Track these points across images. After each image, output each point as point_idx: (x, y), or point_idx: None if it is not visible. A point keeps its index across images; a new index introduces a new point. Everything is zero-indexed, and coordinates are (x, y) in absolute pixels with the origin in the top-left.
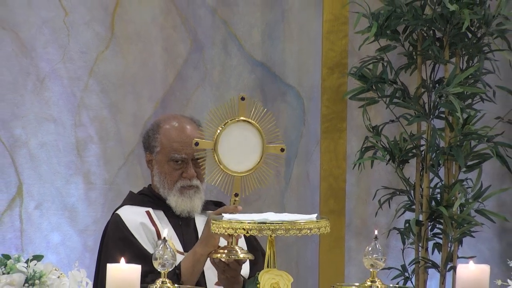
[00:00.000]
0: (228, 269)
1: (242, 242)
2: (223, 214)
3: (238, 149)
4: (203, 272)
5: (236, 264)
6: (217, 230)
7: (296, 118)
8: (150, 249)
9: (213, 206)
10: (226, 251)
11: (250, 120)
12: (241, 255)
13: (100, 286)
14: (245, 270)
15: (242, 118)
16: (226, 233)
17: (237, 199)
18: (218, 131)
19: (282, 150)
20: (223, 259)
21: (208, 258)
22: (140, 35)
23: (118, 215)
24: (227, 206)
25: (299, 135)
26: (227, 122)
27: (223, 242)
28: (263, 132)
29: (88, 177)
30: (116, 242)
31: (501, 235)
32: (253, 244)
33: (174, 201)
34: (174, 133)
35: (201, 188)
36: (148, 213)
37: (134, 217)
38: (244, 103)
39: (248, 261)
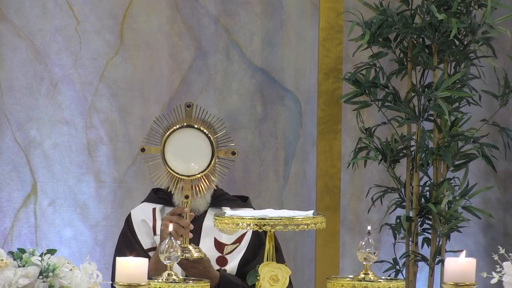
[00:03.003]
0: (187, 267)
1: (247, 238)
2: (225, 211)
3: (187, 153)
4: None
5: (191, 262)
6: (219, 225)
7: (293, 120)
8: (147, 244)
9: (240, 201)
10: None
11: (196, 126)
12: (195, 254)
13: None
14: (233, 264)
15: (188, 124)
16: (175, 233)
17: (187, 200)
18: (165, 137)
19: (234, 153)
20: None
21: None
22: (147, 42)
23: (130, 212)
24: (177, 207)
25: (296, 136)
26: (174, 128)
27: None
28: (213, 137)
29: (99, 176)
30: (120, 236)
31: (486, 230)
32: (261, 238)
33: (178, 199)
34: None
35: (173, 190)
36: (154, 209)
37: (140, 214)
38: (191, 110)
39: (241, 256)
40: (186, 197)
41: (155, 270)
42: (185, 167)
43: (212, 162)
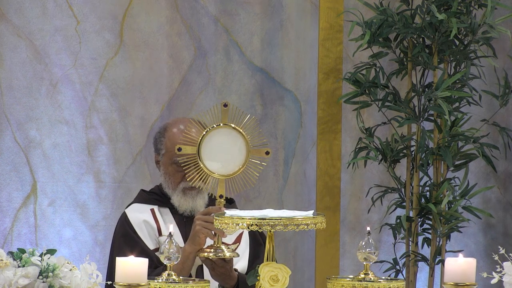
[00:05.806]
0: (216, 267)
1: (246, 237)
2: (225, 210)
3: (222, 153)
4: (201, 266)
5: (223, 262)
6: (219, 225)
7: (293, 120)
8: (151, 245)
9: (227, 203)
10: (212, 250)
11: (233, 125)
12: (227, 254)
13: (110, 278)
14: (243, 264)
15: (224, 123)
16: (210, 232)
17: (222, 200)
18: (201, 136)
19: (267, 153)
20: (210, 258)
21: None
22: (147, 42)
23: (125, 213)
24: (212, 206)
25: (296, 136)
26: (210, 128)
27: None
28: (248, 137)
29: (99, 176)
30: (120, 238)
31: (486, 230)
32: (257, 239)
33: (177, 201)
34: (178, 137)
35: (205, 189)
36: (152, 210)
37: (139, 215)
38: (227, 110)
39: (247, 255)
40: (221, 196)
41: (181, 270)
42: (220, 166)
43: (247, 162)
